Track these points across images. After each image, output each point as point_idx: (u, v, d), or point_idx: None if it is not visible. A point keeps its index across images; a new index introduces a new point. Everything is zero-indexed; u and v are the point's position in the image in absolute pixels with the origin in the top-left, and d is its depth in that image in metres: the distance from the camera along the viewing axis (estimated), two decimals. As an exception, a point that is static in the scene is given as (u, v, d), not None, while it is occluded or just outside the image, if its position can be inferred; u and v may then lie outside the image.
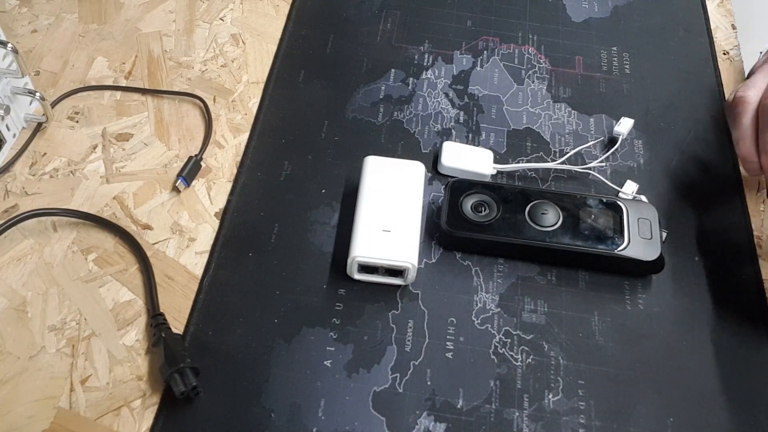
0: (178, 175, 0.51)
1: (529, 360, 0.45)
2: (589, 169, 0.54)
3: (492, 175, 0.53)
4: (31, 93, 0.52)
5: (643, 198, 0.52)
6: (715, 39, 0.64)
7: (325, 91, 0.58)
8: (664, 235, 0.48)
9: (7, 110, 0.51)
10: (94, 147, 0.53)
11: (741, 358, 0.46)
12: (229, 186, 0.52)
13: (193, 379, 0.41)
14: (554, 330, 0.46)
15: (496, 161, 0.53)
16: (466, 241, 0.48)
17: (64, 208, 0.49)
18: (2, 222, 0.47)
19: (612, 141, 0.56)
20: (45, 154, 0.53)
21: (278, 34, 0.62)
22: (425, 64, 0.60)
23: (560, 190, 0.52)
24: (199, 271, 0.48)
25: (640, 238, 0.48)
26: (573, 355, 0.45)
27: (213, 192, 0.52)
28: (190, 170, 0.51)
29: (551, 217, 0.49)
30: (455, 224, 0.48)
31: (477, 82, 0.59)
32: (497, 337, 0.46)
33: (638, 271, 0.48)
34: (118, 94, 0.57)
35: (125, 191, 0.51)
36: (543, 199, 0.49)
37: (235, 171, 0.53)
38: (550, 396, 0.44)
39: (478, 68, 0.61)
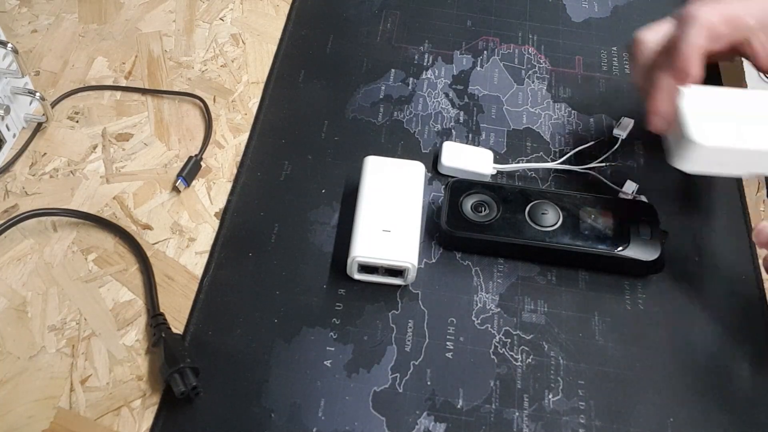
0: (178, 175, 0.51)
1: (529, 360, 0.45)
2: (589, 169, 0.54)
3: (492, 175, 0.53)
4: (31, 93, 0.52)
5: (643, 198, 0.52)
6: (715, 39, 0.64)
7: (325, 91, 0.58)
8: (664, 235, 0.48)
9: (7, 110, 0.51)
10: (94, 147, 0.53)
11: (741, 358, 0.46)
12: (229, 186, 0.52)
13: (193, 379, 0.41)
14: (554, 330, 0.46)
15: (496, 161, 0.53)
16: (466, 241, 0.48)
17: (64, 208, 0.49)
18: (2, 222, 0.47)
19: (612, 141, 0.56)
20: (45, 154, 0.53)
21: (278, 34, 0.62)
22: (425, 64, 0.60)
23: (560, 190, 0.52)
24: (199, 271, 0.48)
25: (640, 238, 0.48)
26: (573, 355, 0.45)
27: (213, 192, 0.52)
28: (190, 170, 0.51)
29: (551, 217, 0.49)
30: (455, 224, 0.48)
31: (477, 82, 0.59)
32: (497, 337, 0.46)
33: (638, 271, 0.48)
34: (118, 94, 0.57)
35: (125, 191, 0.51)
36: (543, 199, 0.49)
37: (235, 171, 0.53)
38: (550, 396, 0.44)
39: (478, 68, 0.61)
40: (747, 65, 0.62)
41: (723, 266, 0.50)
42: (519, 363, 0.45)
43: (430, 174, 0.53)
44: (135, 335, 0.45)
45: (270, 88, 0.58)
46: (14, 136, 0.53)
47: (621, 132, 0.55)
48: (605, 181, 0.53)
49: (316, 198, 0.52)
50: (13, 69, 0.51)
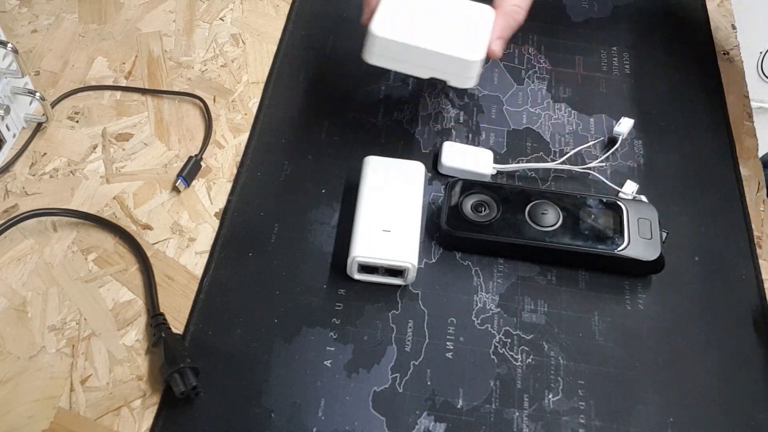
0: (178, 175, 0.51)
1: (529, 360, 0.45)
2: (589, 169, 0.54)
3: (492, 175, 0.53)
4: (31, 93, 0.52)
5: (643, 198, 0.52)
6: (715, 39, 0.64)
7: (325, 91, 0.58)
8: (664, 235, 0.48)
9: (7, 110, 0.51)
10: (94, 147, 0.53)
11: (741, 357, 0.46)
12: (229, 186, 0.52)
13: (193, 379, 0.41)
14: (554, 330, 0.46)
15: (496, 161, 0.53)
16: (466, 241, 0.48)
17: (64, 208, 0.49)
18: (2, 222, 0.47)
19: (612, 141, 0.56)
20: (45, 154, 0.53)
21: (278, 34, 0.62)
22: (425, 64, 0.60)
23: (560, 190, 0.52)
24: (199, 271, 0.48)
25: (640, 238, 0.48)
26: (573, 355, 0.45)
27: (213, 192, 0.52)
28: (190, 170, 0.51)
29: (551, 217, 0.49)
30: (455, 224, 0.48)
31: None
32: (497, 337, 0.46)
33: (638, 271, 0.48)
34: (118, 94, 0.57)
35: (125, 191, 0.51)
36: (543, 199, 0.49)
37: (235, 171, 0.53)
38: (550, 396, 0.44)
39: (478, 68, 0.61)
40: (747, 65, 0.62)
41: (723, 266, 0.50)
42: (519, 363, 0.45)
43: (430, 174, 0.53)
44: (135, 335, 0.45)
45: (270, 88, 0.58)
46: (14, 136, 0.53)
47: (621, 132, 0.55)
48: (605, 181, 0.53)
49: (316, 198, 0.52)
50: (13, 69, 0.51)
